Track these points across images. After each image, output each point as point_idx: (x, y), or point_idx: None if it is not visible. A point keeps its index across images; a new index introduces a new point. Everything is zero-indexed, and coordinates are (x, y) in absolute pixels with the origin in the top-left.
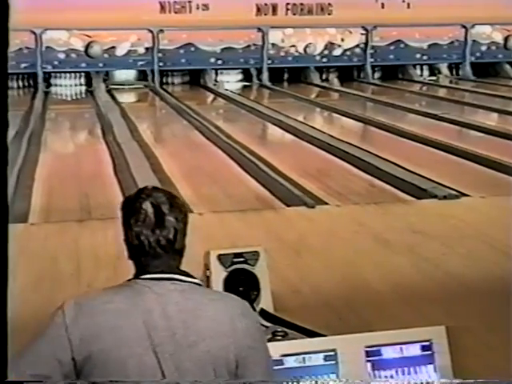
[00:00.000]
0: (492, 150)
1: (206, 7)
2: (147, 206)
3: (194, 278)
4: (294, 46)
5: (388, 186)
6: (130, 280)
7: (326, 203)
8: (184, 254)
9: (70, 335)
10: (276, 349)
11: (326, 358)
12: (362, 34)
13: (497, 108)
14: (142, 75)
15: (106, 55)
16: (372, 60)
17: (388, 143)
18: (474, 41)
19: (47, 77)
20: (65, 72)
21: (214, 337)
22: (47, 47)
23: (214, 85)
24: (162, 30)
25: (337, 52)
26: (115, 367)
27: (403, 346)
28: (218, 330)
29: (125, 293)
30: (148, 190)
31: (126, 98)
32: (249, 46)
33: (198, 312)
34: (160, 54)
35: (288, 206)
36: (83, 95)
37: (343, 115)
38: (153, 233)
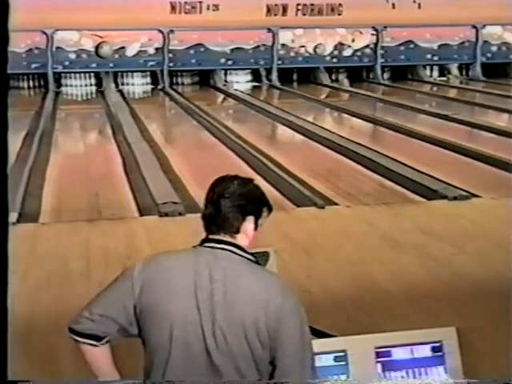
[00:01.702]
0: (503, 151)
1: (216, 8)
2: (213, 193)
3: (248, 253)
4: (303, 46)
5: (398, 187)
6: (195, 246)
7: (336, 204)
8: (241, 232)
9: (134, 284)
10: None
11: (336, 359)
12: (373, 34)
13: (507, 109)
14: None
15: (116, 55)
16: (382, 60)
17: (398, 144)
18: (484, 41)
19: (58, 77)
20: (75, 72)
21: (248, 305)
22: (58, 47)
23: (224, 85)
24: (172, 31)
25: (347, 52)
26: (162, 318)
27: (413, 347)
28: (253, 300)
29: (186, 254)
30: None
31: (136, 98)
32: (258, 47)
33: (238, 280)
34: (170, 55)
35: (298, 206)
36: (93, 95)
37: (353, 116)
38: (213, 212)
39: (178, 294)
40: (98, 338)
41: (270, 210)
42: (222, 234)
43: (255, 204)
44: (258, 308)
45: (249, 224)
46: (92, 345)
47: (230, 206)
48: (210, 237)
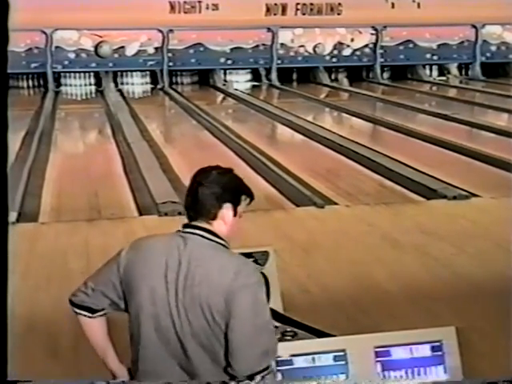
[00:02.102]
0: (502, 151)
1: (215, 7)
2: (193, 182)
3: (220, 238)
4: (303, 45)
5: (398, 187)
6: (178, 230)
7: (336, 203)
8: (218, 218)
9: (120, 264)
10: (285, 349)
11: (335, 359)
12: (372, 33)
13: (507, 108)
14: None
15: (115, 55)
16: (382, 60)
17: (398, 143)
18: (484, 41)
19: (57, 76)
20: (75, 72)
21: (204, 285)
22: (57, 47)
23: (224, 85)
24: (171, 30)
25: (346, 52)
26: (138, 294)
27: (413, 347)
28: (208, 280)
29: (164, 238)
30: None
31: (136, 97)
32: (258, 46)
33: (200, 262)
34: (170, 54)
35: (297, 206)
36: (93, 95)
37: (352, 115)
38: (191, 199)
39: (151, 273)
40: (92, 311)
41: (250, 198)
42: (199, 220)
43: (233, 192)
44: (212, 288)
45: (227, 211)
46: (87, 316)
47: (207, 193)
48: (188, 223)
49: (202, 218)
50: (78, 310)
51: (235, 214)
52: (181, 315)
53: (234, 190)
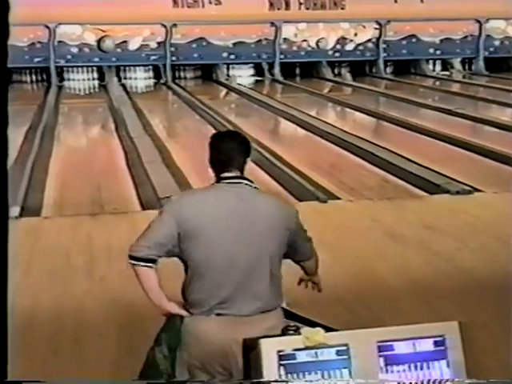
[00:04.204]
0: (506, 145)
1: (218, 2)
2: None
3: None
4: (306, 40)
5: (401, 181)
6: (213, 184)
7: (339, 198)
8: (244, 169)
9: (176, 217)
10: (288, 343)
11: (338, 353)
12: (376, 28)
13: (510, 103)
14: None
15: (118, 49)
16: (385, 55)
17: (401, 138)
18: (487, 35)
19: (60, 71)
20: (78, 66)
21: (266, 220)
22: (60, 41)
23: (226, 79)
24: (174, 25)
25: (349, 47)
26: (204, 238)
27: (416, 341)
28: (270, 215)
29: (213, 189)
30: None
31: (139, 92)
32: (261, 41)
33: (255, 204)
34: (172, 49)
35: (300, 200)
36: (96, 89)
37: (356, 110)
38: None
39: (213, 218)
40: (153, 261)
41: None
42: (234, 172)
43: (249, 147)
44: (275, 220)
45: (247, 163)
46: (148, 267)
47: (235, 148)
48: (225, 175)
49: (234, 169)
50: (141, 263)
51: None
52: (250, 245)
53: (249, 146)
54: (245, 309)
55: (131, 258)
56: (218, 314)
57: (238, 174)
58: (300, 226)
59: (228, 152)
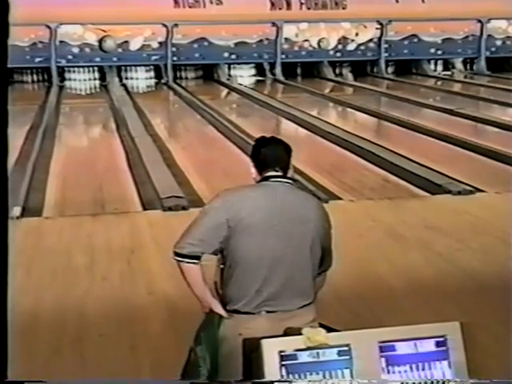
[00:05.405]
0: (507, 145)
1: (219, 2)
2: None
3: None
4: (307, 40)
5: (402, 182)
6: (259, 181)
7: (340, 198)
8: (290, 168)
9: (224, 214)
10: (290, 343)
11: (339, 353)
12: (377, 28)
13: None
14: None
15: (119, 49)
16: (386, 54)
17: (402, 138)
18: (489, 35)
19: (61, 71)
20: (79, 66)
21: (309, 220)
22: (61, 41)
23: (228, 79)
24: (176, 25)
25: (351, 46)
26: (252, 234)
27: (417, 342)
28: (311, 216)
29: (259, 187)
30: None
31: (140, 92)
32: (262, 41)
33: (302, 203)
34: (174, 49)
35: None
36: (97, 89)
37: (357, 110)
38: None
39: (263, 215)
40: (198, 258)
41: None
42: (280, 171)
43: (291, 150)
44: (316, 218)
45: (290, 165)
46: (194, 263)
47: (281, 148)
48: (270, 174)
49: (280, 168)
50: (186, 260)
51: None
52: (295, 241)
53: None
54: (291, 304)
55: (176, 254)
56: (268, 312)
57: (281, 173)
58: (330, 228)
59: (275, 152)
